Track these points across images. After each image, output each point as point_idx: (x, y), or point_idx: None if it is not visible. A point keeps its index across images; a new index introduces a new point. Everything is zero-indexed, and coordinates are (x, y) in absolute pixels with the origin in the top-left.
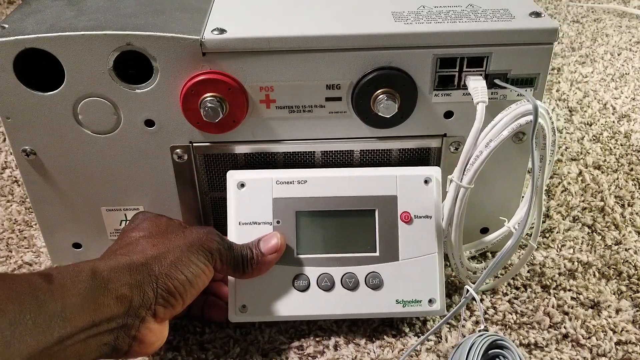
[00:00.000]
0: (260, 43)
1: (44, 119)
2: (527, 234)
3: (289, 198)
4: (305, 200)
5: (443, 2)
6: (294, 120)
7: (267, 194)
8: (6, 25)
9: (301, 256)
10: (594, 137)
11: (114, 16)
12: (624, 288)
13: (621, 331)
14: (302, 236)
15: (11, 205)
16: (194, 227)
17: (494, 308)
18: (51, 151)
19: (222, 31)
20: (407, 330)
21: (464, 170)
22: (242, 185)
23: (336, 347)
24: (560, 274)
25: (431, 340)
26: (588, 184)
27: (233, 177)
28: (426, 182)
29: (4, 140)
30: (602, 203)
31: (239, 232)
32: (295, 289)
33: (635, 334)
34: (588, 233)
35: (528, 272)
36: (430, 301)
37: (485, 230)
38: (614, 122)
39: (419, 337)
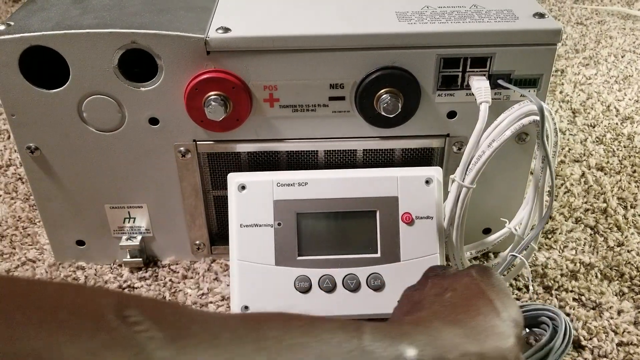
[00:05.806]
0: (264, 42)
1: (48, 117)
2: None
3: (290, 200)
4: (306, 202)
5: (447, 2)
6: (297, 119)
7: (268, 196)
8: (12, 23)
9: (302, 258)
10: (597, 139)
11: (119, 14)
12: (626, 289)
13: (623, 332)
14: (304, 238)
15: (15, 203)
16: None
17: None
18: (55, 148)
19: (226, 30)
20: None
21: (466, 170)
22: (243, 187)
23: None
24: (562, 275)
25: None
26: (591, 186)
27: (234, 179)
28: (427, 182)
29: (9, 137)
30: (605, 204)
31: (240, 234)
32: (297, 291)
33: (637, 335)
34: (590, 234)
35: (530, 272)
36: None
37: (487, 231)
38: (617, 124)
39: None
